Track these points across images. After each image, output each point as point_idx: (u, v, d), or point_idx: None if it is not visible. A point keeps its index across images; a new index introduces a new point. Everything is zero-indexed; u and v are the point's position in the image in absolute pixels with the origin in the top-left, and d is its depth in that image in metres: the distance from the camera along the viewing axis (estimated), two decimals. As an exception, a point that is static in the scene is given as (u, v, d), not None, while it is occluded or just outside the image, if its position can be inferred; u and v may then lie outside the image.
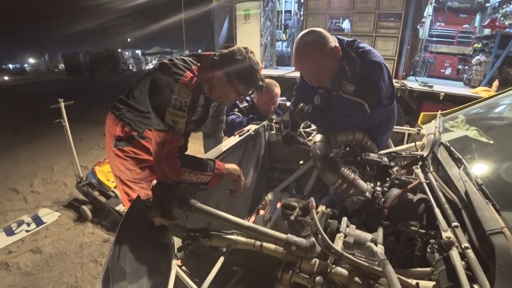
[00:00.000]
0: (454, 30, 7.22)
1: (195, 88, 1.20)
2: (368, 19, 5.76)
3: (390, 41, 5.67)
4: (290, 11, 8.28)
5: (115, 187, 3.00)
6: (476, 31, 7.27)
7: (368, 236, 0.96)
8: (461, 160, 1.10)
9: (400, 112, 4.70)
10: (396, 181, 1.32)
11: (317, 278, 0.85)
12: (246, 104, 2.41)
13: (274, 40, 7.34)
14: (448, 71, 6.79)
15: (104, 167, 3.21)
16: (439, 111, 1.80)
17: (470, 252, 0.75)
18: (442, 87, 4.99)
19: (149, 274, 0.85)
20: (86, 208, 2.91)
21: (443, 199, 0.96)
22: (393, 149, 1.76)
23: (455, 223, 0.85)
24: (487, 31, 6.29)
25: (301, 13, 7.18)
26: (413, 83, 5.17)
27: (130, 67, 25.20)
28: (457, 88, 5.13)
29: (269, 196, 2.22)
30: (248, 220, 1.94)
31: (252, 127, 1.90)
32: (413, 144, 1.62)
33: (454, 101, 4.27)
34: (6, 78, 25.13)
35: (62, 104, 2.99)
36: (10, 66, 38.19)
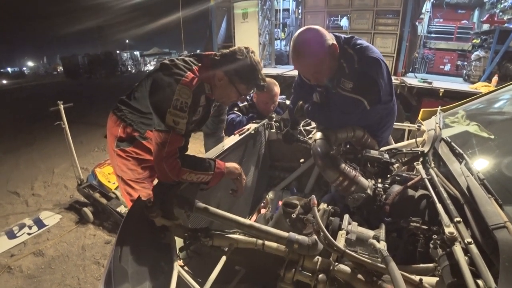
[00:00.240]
0: (453, 26, 7.20)
1: (196, 88, 1.20)
2: (367, 16, 5.76)
3: (388, 38, 5.66)
4: (288, 10, 8.26)
5: (116, 188, 3.00)
6: (475, 27, 7.24)
7: (370, 233, 0.95)
8: (463, 155, 1.09)
9: (400, 109, 4.69)
10: (397, 177, 1.32)
11: (320, 276, 0.85)
12: (245, 103, 2.40)
13: (273, 39, 7.33)
14: (447, 67, 6.76)
15: (104, 169, 3.21)
16: (439, 107, 1.79)
17: (473, 247, 0.74)
18: (441, 83, 4.98)
19: (151, 274, 0.84)
20: (87, 210, 2.91)
21: (445, 195, 0.96)
22: (394, 145, 1.76)
23: (458, 219, 0.85)
24: (485, 27, 6.26)
25: (299, 11, 7.18)
26: (413, 80, 5.17)
27: (129, 69, 25.20)
28: (457, 84, 5.13)
29: (270, 195, 2.22)
30: (250, 219, 1.94)
31: (252, 126, 1.89)
32: (413, 140, 1.62)
33: (454, 97, 4.26)
34: (4, 81, 25.12)
35: (62, 107, 2.99)
36: (9, 69, 38.16)
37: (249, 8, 6.62)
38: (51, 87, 17.12)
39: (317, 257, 0.90)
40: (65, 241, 2.69)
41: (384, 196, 1.20)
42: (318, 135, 1.41)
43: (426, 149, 1.37)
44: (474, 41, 6.03)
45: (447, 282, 0.73)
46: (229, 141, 1.66)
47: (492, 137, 1.31)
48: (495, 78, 4.60)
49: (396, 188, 1.21)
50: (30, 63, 46.19)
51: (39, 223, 2.96)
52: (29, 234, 2.80)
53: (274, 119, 2.14)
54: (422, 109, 1.89)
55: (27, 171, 4.40)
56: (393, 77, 5.05)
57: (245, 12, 6.68)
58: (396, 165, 1.46)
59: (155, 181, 1.17)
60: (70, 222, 2.99)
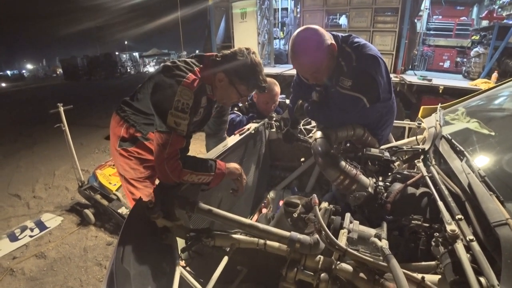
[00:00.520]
0: (452, 22, 7.20)
1: (197, 89, 1.21)
2: (365, 14, 5.74)
3: (387, 36, 5.65)
4: (286, 9, 8.25)
5: (117, 190, 3.00)
6: (474, 23, 7.23)
7: (372, 231, 0.95)
8: (463, 153, 1.09)
9: (400, 106, 4.69)
10: (398, 175, 1.32)
11: (322, 275, 0.85)
12: (245, 102, 2.40)
13: (272, 38, 7.31)
14: (446, 64, 6.76)
15: (105, 170, 3.21)
16: (439, 104, 1.79)
17: (475, 245, 0.74)
18: (441, 80, 4.98)
19: (153, 275, 0.84)
20: (88, 212, 2.92)
21: (446, 192, 0.96)
22: (394, 143, 1.76)
23: (459, 216, 0.85)
24: (484, 23, 6.25)
25: (298, 10, 7.17)
26: (412, 77, 5.16)
27: (128, 70, 25.14)
28: (456, 81, 5.12)
29: (271, 194, 2.22)
30: (251, 219, 1.94)
31: (252, 126, 1.89)
32: (414, 138, 1.62)
33: (454, 94, 4.26)
34: (4, 84, 25.07)
35: (61, 109, 2.98)
36: (8, 72, 38.09)
37: (247, 8, 6.60)
38: (50, 90, 17.13)
39: (319, 256, 0.90)
40: (67, 243, 2.69)
41: (385, 194, 1.20)
42: (319, 134, 1.41)
43: (426, 146, 1.37)
44: (473, 37, 6.02)
45: (450, 279, 0.73)
46: (230, 141, 1.66)
47: (493, 133, 1.31)
48: (494, 75, 4.60)
49: (397, 186, 1.21)
50: (29, 66, 46.15)
51: (41, 226, 2.96)
52: (31, 236, 2.80)
53: (274, 119, 2.14)
54: (422, 107, 1.89)
55: (28, 173, 4.40)
56: (392, 75, 5.06)
57: (243, 11, 6.67)
58: (396, 163, 1.46)
59: (157, 180, 1.18)
60: (71, 224, 2.99)
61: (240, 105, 2.37)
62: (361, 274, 0.83)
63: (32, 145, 5.83)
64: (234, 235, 1.02)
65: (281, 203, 1.63)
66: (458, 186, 0.97)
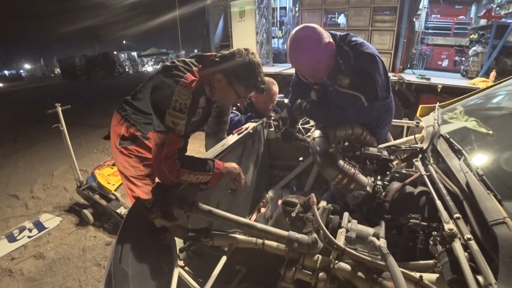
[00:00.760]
0: (450, 21, 7.20)
1: (196, 89, 1.20)
2: (364, 13, 5.74)
3: (386, 35, 5.65)
4: (285, 8, 8.24)
5: (115, 190, 3.00)
6: (472, 22, 7.25)
7: (370, 230, 0.96)
8: (461, 151, 1.09)
9: (398, 105, 4.69)
10: (396, 174, 1.32)
11: (320, 274, 0.85)
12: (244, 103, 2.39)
13: (270, 37, 7.30)
14: (445, 63, 6.76)
15: (104, 170, 3.20)
16: (438, 103, 1.79)
17: (473, 243, 0.75)
18: (439, 79, 4.97)
19: (151, 275, 0.84)
20: (87, 212, 2.91)
21: (444, 191, 0.96)
22: (393, 142, 1.76)
23: (457, 215, 0.85)
24: (483, 22, 6.27)
25: (296, 9, 7.16)
26: (411, 76, 5.16)
27: (127, 69, 25.08)
28: (455, 80, 5.13)
29: (270, 194, 2.22)
30: (250, 219, 1.94)
31: (250, 125, 1.89)
32: (412, 137, 1.62)
33: (452, 93, 4.26)
34: (1, 85, 24.97)
35: (59, 109, 2.97)
36: (6, 72, 37.93)
37: (245, 7, 6.59)
38: (48, 90, 17.07)
39: (317, 255, 0.90)
40: (65, 244, 2.69)
41: (383, 193, 1.20)
42: (317, 133, 1.41)
43: (425, 145, 1.37)
44: (471, 36, 6.03)
45: (447, 278, 0.73)
46: (228, 140, 1.66)
47: (491, 132, 1.31)
48: (493, 73, 4.60)
49: (396, 185, 1.21)
50: (27, 66, 45.97)
51: (39, 226, 2.95)
52: (29, 237, 2.79)
53: (272, 118, 2.14)
54: (420, 106, 1.90)
55: (26, 174, 4.39)
56: (391, 74, 5.06)
57: (241, 10, 6.65)
58: (395, 162, 1.46)
59: (157, 179, 1.18)
60: (70, 224, 2.98)
61: (239, 104, 2.37)
62: (359, 273, 0.83)
63: (30, 145, 5.81)
64: (232, 235, 1.02)
65: (279, 202, 1.64)
66: (456, 185, 0.98)
